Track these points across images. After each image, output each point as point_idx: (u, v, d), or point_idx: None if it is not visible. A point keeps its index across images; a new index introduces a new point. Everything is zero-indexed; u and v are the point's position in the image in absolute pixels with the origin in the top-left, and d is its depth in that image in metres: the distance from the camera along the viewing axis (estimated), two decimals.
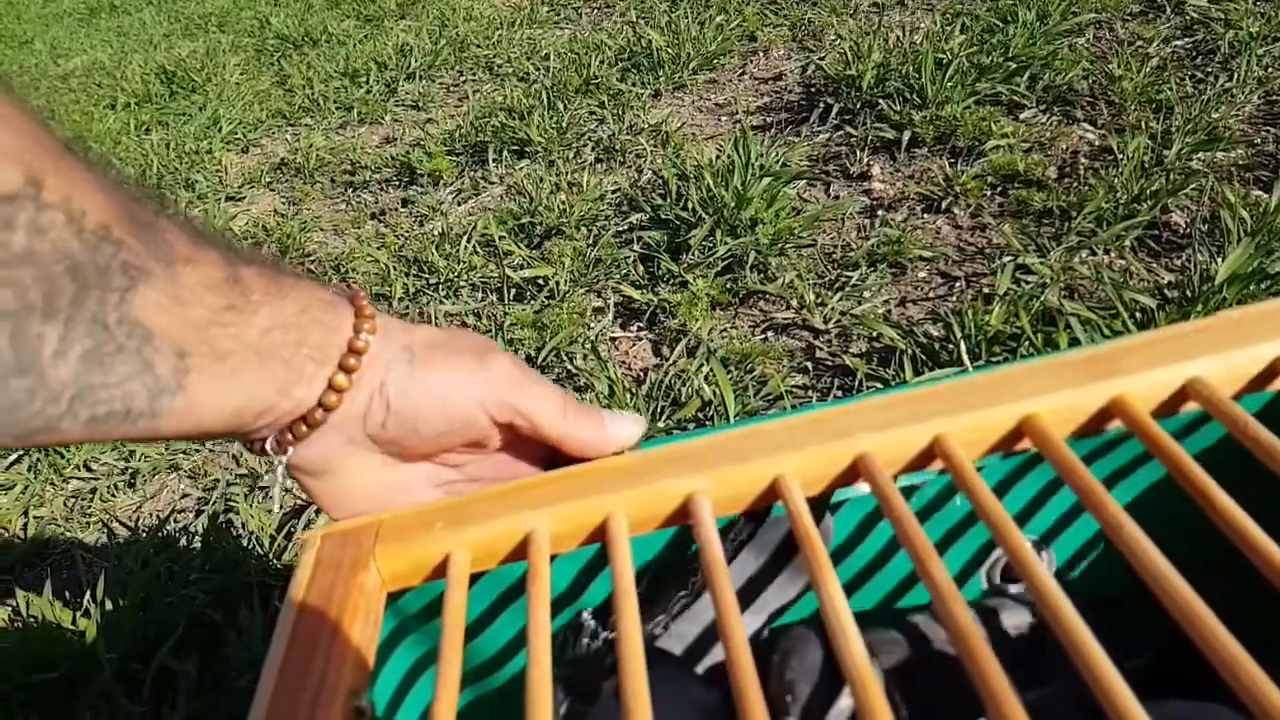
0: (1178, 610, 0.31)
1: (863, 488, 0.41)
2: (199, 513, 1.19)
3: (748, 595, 0.50)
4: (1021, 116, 1.60)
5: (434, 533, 0.37)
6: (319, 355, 0.36)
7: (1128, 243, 1.25)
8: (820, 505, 0.46)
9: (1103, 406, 0.42)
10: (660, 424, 1.12)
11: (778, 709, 0.45)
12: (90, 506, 1.24)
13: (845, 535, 0.50)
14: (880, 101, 1.68)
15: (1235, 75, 1.55)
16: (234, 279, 0.33)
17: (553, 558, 0.38)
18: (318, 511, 1.12)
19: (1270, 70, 1.55)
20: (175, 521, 1.19)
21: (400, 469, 0.41)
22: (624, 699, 0.30)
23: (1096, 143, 1.49)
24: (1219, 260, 1.12)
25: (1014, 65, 1.68)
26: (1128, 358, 0.43)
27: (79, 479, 1.30)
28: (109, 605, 1.03)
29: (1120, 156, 1.41)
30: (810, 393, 1.15)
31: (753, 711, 0.29)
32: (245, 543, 1.10)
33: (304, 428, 0.37)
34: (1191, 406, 0.43)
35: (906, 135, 1.58)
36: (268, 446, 0.37)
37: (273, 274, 0.35)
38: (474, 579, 0.44)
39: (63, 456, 1.30)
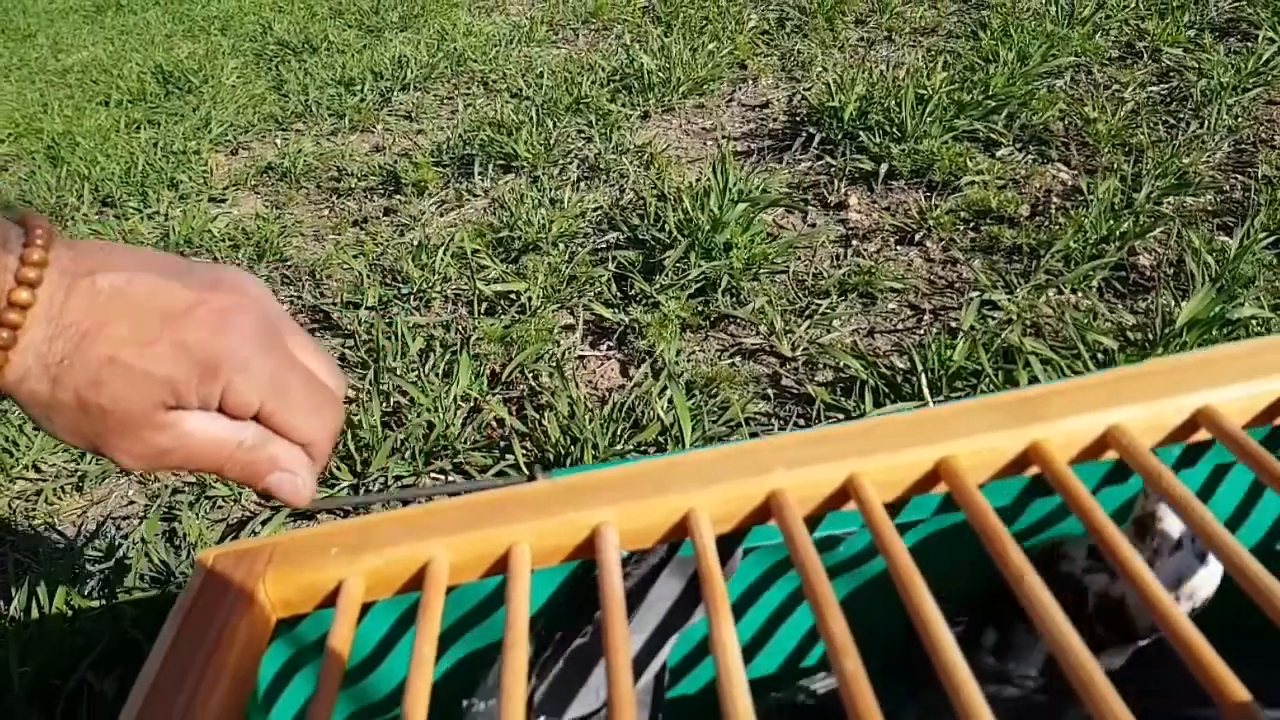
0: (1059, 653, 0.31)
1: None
2: (143, 519, 1.17)
3: (670, 623, 0.49)
4: (998, 154, 1.61)
5: (329, 558, 0.36)
6: None
7: (1094, 283, 1.26)
8: (734, 543, 0.45)
9: (1021, 451, 0.42)
10: (619, 447, 1.11)
11: None
12: (35, 509, 1.22)
13: (755, 578, 0.49)
14: (861, 133, 1.69)
15: (1206, 122, 1.57)
16: None
17: (452, 589, 0.37)
18: (264, 522, 1.10)
19: (1240, 119, 1.57)
20: (117, 529, 1.16)
21: None
22: None
23: (1069, 182, 1.50)
24: (1183, 304, 1.12)
25: (993, 103, 1.69)
26: (1054, 401, 0.43)
27: (26, 479, 1.28)
28: (34, 614, 1.00)
29: (1091, 197, 1.42)
30: (772, 420, 1.15)
31: None
32: (184, 553, 1.07)
33: None
34: (1111, 455, 0.43)
35: (884, 167, 1.59)
36: None
37: None
38: (372, 607, 0.43)
39: (11, 456, 1.28)
